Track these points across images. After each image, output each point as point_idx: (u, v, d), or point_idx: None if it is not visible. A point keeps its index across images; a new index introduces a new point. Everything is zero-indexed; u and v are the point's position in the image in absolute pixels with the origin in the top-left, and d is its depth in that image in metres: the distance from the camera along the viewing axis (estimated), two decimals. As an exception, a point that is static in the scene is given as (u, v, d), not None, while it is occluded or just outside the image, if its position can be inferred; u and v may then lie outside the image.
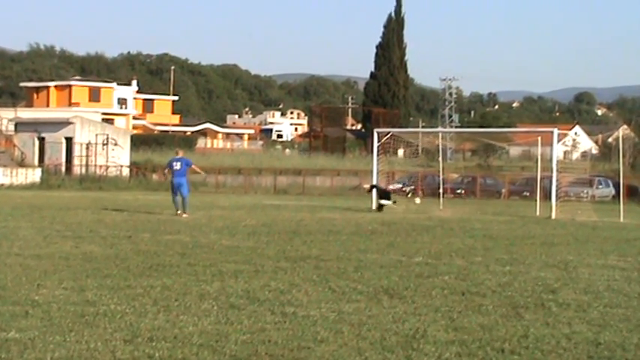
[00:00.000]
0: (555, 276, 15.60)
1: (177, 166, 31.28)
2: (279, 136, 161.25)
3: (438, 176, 45.40)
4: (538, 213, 35.69)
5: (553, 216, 34.12)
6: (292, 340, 9.76)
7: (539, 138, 39.27)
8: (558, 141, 39.76)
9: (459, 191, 57.60)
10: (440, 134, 58.24)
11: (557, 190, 35.68)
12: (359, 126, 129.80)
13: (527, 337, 10.17)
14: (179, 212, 30.36)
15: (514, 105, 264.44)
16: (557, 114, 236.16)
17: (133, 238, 21.53)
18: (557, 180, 36.02)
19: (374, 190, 37.64)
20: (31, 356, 8.86)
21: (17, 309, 11.23)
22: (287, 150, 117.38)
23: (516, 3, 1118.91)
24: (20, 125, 67.50)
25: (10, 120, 68.27)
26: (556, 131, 37.67)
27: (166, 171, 33.10)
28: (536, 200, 37.39)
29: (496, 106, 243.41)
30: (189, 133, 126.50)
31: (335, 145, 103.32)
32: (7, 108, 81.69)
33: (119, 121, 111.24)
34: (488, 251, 20.01)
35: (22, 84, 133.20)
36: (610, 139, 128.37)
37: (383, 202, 36.51)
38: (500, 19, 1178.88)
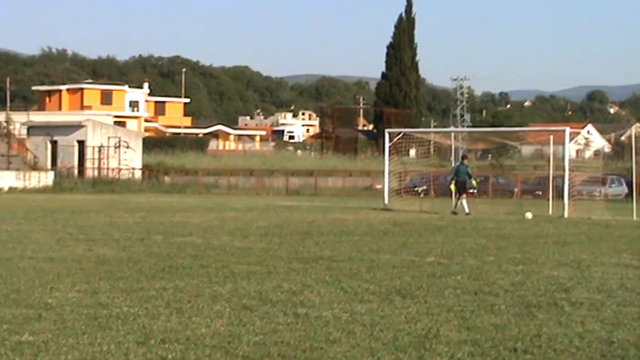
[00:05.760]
0: (568, 275, 15.57)
1: None
2: (291, 137, 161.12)
3: (450, 176, 45.22)
4: (551, 212, 35.63)
5: (566, 215, 34.05)
6: (305, 341, 9.77)
7: (552, 137, 39.08)
8: (571, 139, 39.69)
9: (471, 191, 57.44)
10: (452, 134, 58.10)
11: (569, 189, 35.56)
12: (370, 126, 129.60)
13: (540, 337, 10.15)
14: None
15: (526, 104, 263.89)
16: (570, 113, 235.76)
17: (145, 240, 21.56)
18: (569, 179, 35.92)
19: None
20: (44, 359, 8.90)
21: (30, 312, 11.27)
22: (299, 151, 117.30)
23: (527, 2, 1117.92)
24: (33, 129, 67.71)
25: (23, 124, 68.46)
26: (568, 130, 37.59)
27: None
28: (548, 199, 37.30)
29: (508, 106, 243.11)
30: (201, 135, 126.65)
31: (347, 146, 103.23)
32: (20, 112, 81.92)
33: (131, 124, 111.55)
34: (501, 251, 19.98)
35: (34, 88, 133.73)
36: (623, 138, 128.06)
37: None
38: (512, 17, 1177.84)
